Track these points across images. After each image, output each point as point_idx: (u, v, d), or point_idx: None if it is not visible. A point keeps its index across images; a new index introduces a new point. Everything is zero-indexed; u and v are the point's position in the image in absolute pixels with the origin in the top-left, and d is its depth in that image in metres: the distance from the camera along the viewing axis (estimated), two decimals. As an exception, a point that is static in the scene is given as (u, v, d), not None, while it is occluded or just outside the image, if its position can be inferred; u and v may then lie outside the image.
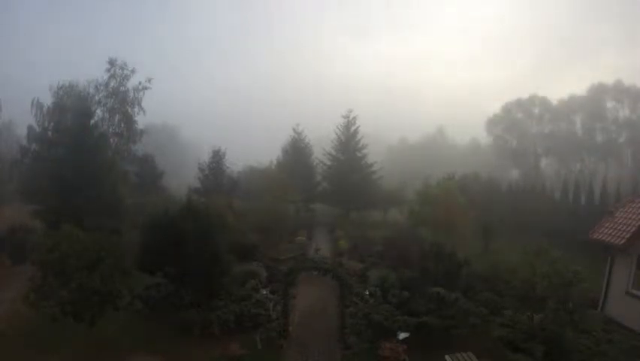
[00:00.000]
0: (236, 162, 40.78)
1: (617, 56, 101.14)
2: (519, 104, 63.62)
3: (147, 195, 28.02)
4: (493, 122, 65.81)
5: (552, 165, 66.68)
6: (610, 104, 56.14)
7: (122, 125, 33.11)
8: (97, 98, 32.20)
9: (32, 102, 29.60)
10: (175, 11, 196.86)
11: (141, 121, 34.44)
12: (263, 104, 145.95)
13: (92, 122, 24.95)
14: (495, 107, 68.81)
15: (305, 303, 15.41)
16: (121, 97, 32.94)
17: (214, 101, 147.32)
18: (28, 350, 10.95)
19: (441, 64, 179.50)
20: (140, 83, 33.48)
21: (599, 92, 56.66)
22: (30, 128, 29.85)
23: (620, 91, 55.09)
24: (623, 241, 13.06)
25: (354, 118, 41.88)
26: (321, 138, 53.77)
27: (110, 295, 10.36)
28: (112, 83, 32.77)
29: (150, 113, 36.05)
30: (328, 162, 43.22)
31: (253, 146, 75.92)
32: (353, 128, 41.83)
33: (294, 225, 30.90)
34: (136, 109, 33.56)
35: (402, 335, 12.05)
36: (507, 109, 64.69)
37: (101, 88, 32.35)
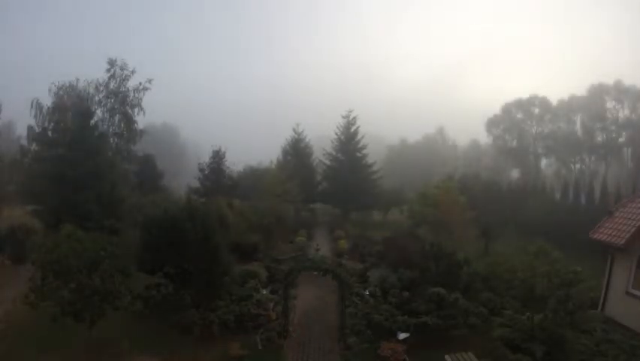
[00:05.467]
0: (237, 162, 40.87)
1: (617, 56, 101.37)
2: (519, 104, 63.62)
3: (147, 195, 28.01)
4: (493, 123, 65.85)
5: (552, 165, 66.73)
6: (610, 104, 56.15)
7: (122, 125, 33.16)
8: (97, 98, 32.31)
9: (32, 102, 29.68)
10: (175, 12, 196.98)
11: (141, 121, 34.55)
12: (263, 104, 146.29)
13: (92, 122, 24.93)
14: (495, 107, 68.79)
15: (305, 303, 15.41)
16: (121, 97, 32.99)
17: (214, 101, 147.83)
18: (28, 350, 10.94)
19: (441, 63, 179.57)
20: (140, 83, 33.59)
21: (599, 92, 56.65)
22: (30, 128, 29.91)
23: (620, 91, 55.07)
24: (623, 241, 13.05)
25: (354, 118, 41.86)
26: (322, 138, 53.79)
27: (110, 295, 10.35)
28: (112, 84, 32.84)
29: (150, 113, 36.11)
30: (328, 162, 43.19)
31: (253, 146, 76.13)
32: (353, 129, 41.78)
33: (294, 225, 30.90)
34: (136, 109, 33.62)
35: (402, 335, 12.05)
36: (507, 109, 64.72)
37: (101, 88, 32.43)
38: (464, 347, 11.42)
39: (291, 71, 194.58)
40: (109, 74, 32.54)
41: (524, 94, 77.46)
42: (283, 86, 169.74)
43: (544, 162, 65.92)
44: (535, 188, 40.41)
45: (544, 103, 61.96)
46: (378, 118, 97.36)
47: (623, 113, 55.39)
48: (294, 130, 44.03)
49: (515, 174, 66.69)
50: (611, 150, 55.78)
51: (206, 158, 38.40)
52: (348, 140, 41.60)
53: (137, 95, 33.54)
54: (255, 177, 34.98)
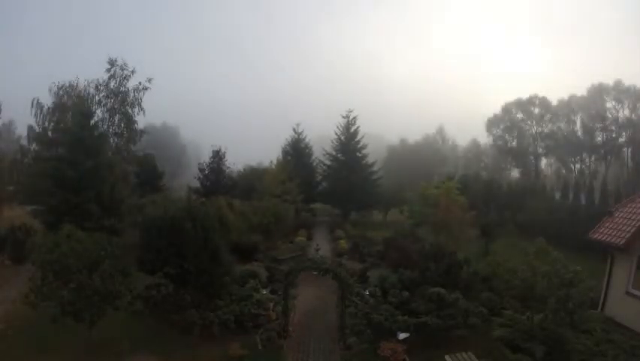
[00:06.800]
0: (236, 162, 40.89)
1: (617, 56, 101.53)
2: (519, 104, 63.68)
3: (147, 195, 27.99)
4: (493, 123, 65.89)
5: (552, 165, 66.79)
6: (610, 104, 56.14)
7: (122, 125, 33.06)
8: (97, 98, 32.17)
9: (32, 102, 29.60)
10: (175, 11, 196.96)
11: (141, 121, 34.42)
12: (263, 104, 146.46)
13: (92, 122, 24.89)
14: (495, 107, 68.96)
15: (305, 303, 15.41)
16: (121, 97, 32.89)
17: (214, 101, 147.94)
18: (28, 350, 10.95)
19: (441, 64, 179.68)
20: (140, 83, 33.43)
21: (599, 92, 56.65)
22: (30, 128, 29.86)
23: (620, 91, 55.06)
24: (623, 241, 13.05)
25: (354, 118, 41.86)
26: (322, 137, 53.73)
27: (110, 295, 10.35)
28: (112, 84, 32.72)
29: (150, 114, 36.03)
30: (328, 162, 43.20)
31: (253, 146, 76.11)
32: (353, 129, 41.79)
33: (294, 225, 30.91)
34: (136, 109, 33.51)
35: (402, 335, 12.05)
36: (507, 109, 64.78)
37: (101, 88, 32.30)
38: (464, 347, 11.43)
39: (291, 71, 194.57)
40: (109, 74, 32.45)
41: (524, 94, 77.60)
42: (283, 86, 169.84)
43: (544, 162, 66.05)
44: (535, 188, 40.45)
45: (544, 103, 61.99)
46: (378, 118, 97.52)
47: (623, 113, 55.41)
48: (294, 130, 44.05)
49: (515, 174, 66.75)
50: (611, 150, 55.78)
51: (206, 158, 38.52)
52: (348, 140, 41.58)
53: (137, 94, 33.45)
54: (254, 177, 34.96)
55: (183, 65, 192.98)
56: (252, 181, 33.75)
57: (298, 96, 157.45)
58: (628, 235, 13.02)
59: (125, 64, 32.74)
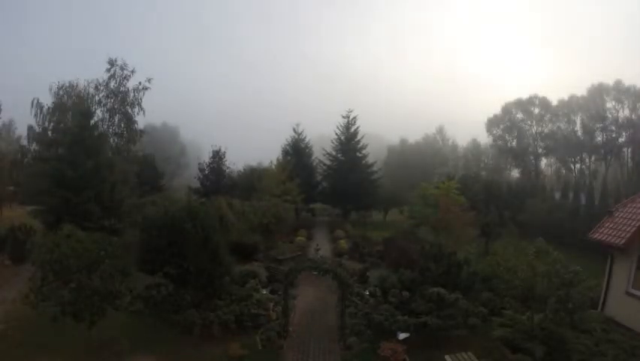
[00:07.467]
0: (236, 161, 40.93)
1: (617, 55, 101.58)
2: (519, 104, 63.69)
3: (147, 196, 28.00)
4: (493, 123, 65.90)
5: (552, 165, 66.80)
6: (610, 104, 56.10)
7: (122, 125, 33.08)
8: (97, 98, 32.19)
9: (32, 102, 29.61)
10: (175, 11, 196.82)
11: (141, 121, 34.45)
12: (263, 104, 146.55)
13: (92, 122, 24.91)
14: (495, 107, 69.02)
15: (305, 303, 15.42)
16: (121, 97, 32.91)
17: (214, 101, 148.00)
18: (28, 350, 10.94)
19: (441, 64, 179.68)
20: (140, 83, 33.45)
21: (599, 92, 56.61)
22: (30, 128, 29.89)
23: (620, 91, 55.01)
24: (623, 241, 13.04)
25: (354, 118, 41.87)
26: (322, 137, 53.75)
27: (110, 295, 10.36)
28: (112, 84, 32.74)
29: (150, 114, 36.09)
30: (328, 162, 43.21)
31: (253, 146, 76.20)
32: (353, 129, 41.82)
33: (294, 225, 30.91)
34: (136, 109, 33.53)
35: (402, 335, 12.05)
36: (507, 109, 64.79)
37: (101, 88, 32.32)
38: (464, 348, 11.42)
39: (291, 71, 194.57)
40: (109, 74, 32.48)
41: (524, 94, 77.72)
42: (283, 86, 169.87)
43: (544, 162, 66.07)
44: (535, 188, 40.47)
45: (544, 103, 62.01)
46: (378, 118, 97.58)
47: (623, 113, 55.33)
48: (294, 130, 44.04)
49: (515, 174, 66.79)
50: (611, 150, 55.74)
51: (206, 158, 38.59)
52: (348, 140, 41.62)
53: (137, 94, 33.47)
54: (254, 177, 35.00)
55: (183, 65, 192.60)
56: (252, 181, 33.76)
57: (298, 96, 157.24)
58: (628, 235, 13.01)
59: (125, 64, 32.80)
